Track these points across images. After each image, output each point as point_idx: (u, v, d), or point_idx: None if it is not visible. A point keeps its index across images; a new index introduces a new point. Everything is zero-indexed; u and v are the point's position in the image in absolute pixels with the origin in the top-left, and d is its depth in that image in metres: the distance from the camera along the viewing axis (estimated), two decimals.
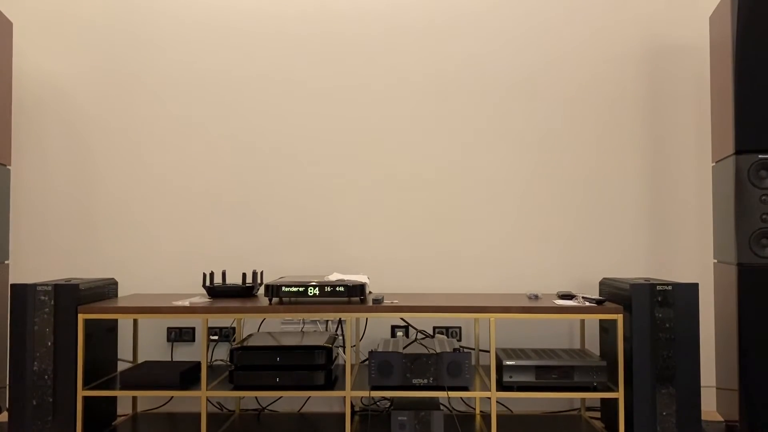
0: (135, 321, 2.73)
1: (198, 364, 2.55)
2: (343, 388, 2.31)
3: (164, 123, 2.95)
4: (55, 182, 2.94)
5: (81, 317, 2.29)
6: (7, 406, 2.35)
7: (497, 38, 2.93)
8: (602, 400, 2.62)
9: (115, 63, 2.96)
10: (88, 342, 2.39)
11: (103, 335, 2.54)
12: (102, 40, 2.96)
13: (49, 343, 2.29)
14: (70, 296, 2.30)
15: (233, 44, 2.95)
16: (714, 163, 2.66)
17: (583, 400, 2.72)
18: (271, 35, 2.96)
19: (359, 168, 2.93)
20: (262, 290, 2.84)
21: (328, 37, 2.95)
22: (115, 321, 2.68)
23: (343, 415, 2.70)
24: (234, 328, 2.85)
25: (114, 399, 2.65)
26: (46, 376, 2.29)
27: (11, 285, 2.31)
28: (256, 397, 2.83)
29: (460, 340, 2.87)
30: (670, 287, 2.27)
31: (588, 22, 2.93)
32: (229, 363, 2.73)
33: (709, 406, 2.81)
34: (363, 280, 2.41)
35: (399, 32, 2.94)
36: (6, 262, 2.65)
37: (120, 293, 2.91)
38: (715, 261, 2.64)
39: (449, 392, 2.26)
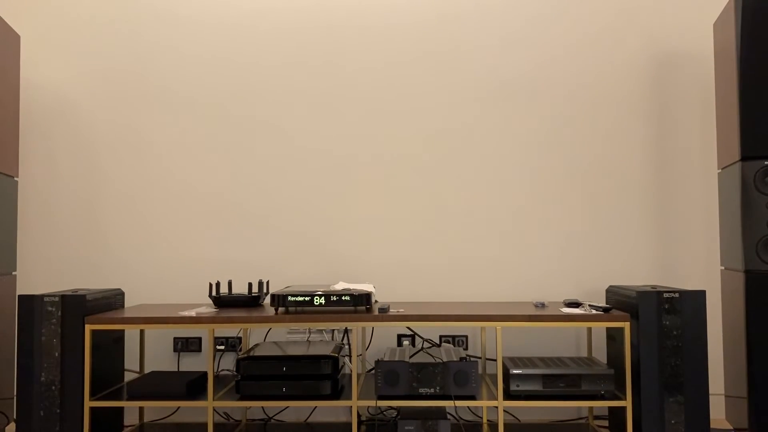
0: (142, 331, 2.74)
1: (204, 374, 2.55)
2: (349, 398, 2.30)
3: (171, 133, 2.96)
4: (62, 193, 2.95)
5: (88, 328, 2.30)
6: (15, 416, 2.36)
7: (503, 43, 2.94)
8: (610, 408, 2.60)
9: (122, 73, 2.98)
10: (95, 352, 2.40)
11: (110, 346, 2.55)
12: (108, 51, 2.98)
13: (56, 354, 2.30)
14: (77, 307, 2.31)
15: (238, 50, 2.97)
16: (720, 170, 2.66)
17: (590, 408, 2.70)
18: (278, 37, 2.97)
19: (365, 177, 2.93)
20: (268, 300, 2.84)
21: (342, 43, 2.97)
22: (122, 331, 2.68)
23: (349, 425, 2.69)
24: (240, 338, 2.85)
25: (121, 409, 2.65)
26: (53, 387, 2.29)
27: (18, 296, 2.33)
28: (262, 407, 2.82)
29: (466, 348, 2.86)
30: (677, 294, 2.26)
31: (592, 29, 2.94)
32: (235, 373, 2.73)
33: (718, 414, 2.79)
34: (369, 289, 2.41)
35: (411, 33, 2.96)
36: (13, 273, 2.67)
37: (126, 304, 2.91)
38: (722, 268, 2.63)
39: (456, 401, 2.25)
